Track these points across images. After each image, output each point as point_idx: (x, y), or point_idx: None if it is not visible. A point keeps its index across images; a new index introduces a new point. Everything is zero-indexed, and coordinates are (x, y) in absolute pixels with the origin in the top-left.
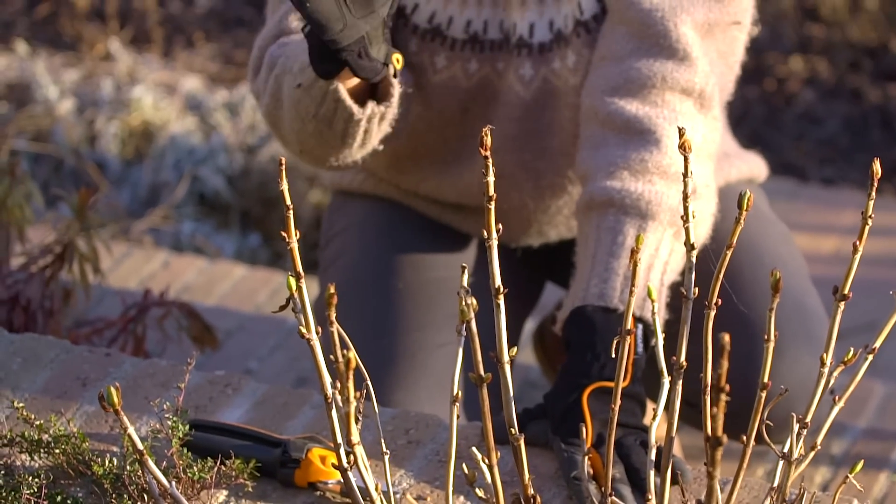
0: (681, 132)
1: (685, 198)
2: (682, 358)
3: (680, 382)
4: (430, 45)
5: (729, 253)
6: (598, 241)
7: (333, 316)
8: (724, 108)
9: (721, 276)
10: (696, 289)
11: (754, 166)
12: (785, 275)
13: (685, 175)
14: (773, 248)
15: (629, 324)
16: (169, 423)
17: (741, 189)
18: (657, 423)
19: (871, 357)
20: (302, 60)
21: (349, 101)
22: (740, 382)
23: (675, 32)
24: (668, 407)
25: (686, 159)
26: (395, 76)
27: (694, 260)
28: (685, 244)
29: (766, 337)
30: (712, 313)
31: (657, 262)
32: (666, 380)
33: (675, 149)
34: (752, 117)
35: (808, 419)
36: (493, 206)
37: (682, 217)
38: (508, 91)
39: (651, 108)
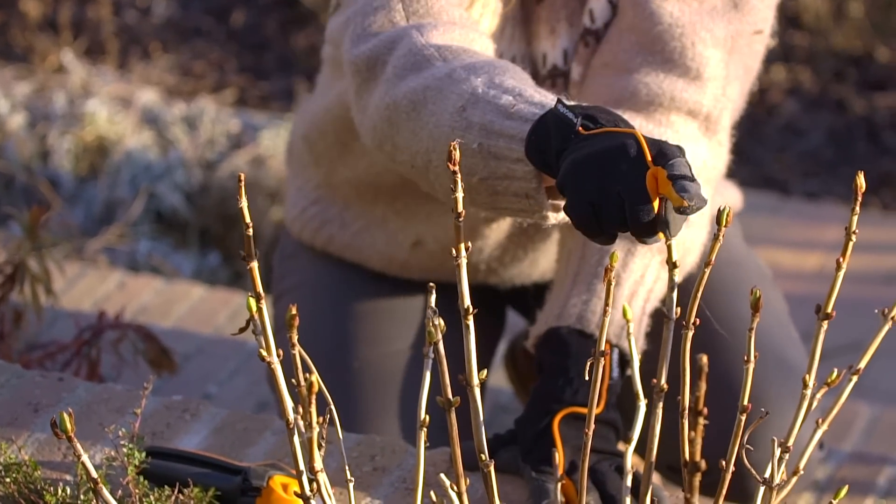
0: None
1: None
2: (663, 381)
3: (660, 406)
4: None
5: (707, 271)
6: (582, 258)
7: (295, 338)
8: (734, 127)
9: (700, 293)
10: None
11: (730, 198)
12: (764, 324)
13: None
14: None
15: (603, 345)
16: (124, 450)
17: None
18: (632, 448)
19: (855, 378)
20: (501, 123)
21: (548, 207)
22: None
23: (692, 51)
24: (647, 432)
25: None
26: None
27: (677, 279)
28: (667, 262)
29: (745, 358)
30: (690, 333)
31: (641, 289)
32: (642, 402)
33: None
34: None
35: (790, 443)
36: (461, 222)
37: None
38: None
39: (654, 128)
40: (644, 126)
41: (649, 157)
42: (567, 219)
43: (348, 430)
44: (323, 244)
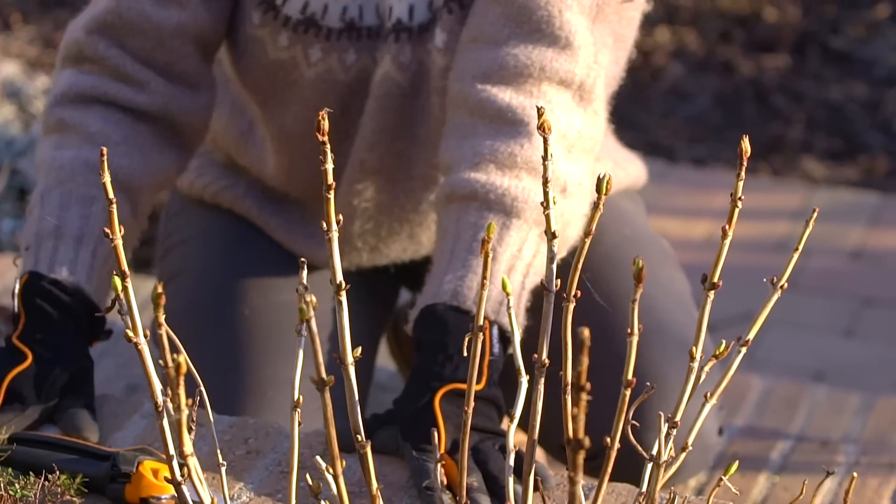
0: (540, 112)
1: (545, 182)
2: (544, 356)
3: (542, 381)
4: (303, 37)
5: (588, 241)
6: (457, 236)
7: (162, 318)
8: (612, 97)
9: (580, 266)
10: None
11: (632, 172)
12: (665, 305)
13: (545, 158)
14: (651, 273)
15: (481, 320)
16: None
17: (615, 201)
18: (514, 426)
19: (744, 349)
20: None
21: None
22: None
23: (559, 19)
24: (530, 409)
25: (545, 140)
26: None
27: (561, 254)
28: (546, 233)
29: (629, 331)
30: (571, 306)
31: (519, 263)
32: (524, 378)
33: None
34: (615, 93)
35: (678, 418)
36: (332, 195)
37: (542, 203)
38: (385, 80)
39: (525, 98)
40: (515, 98)
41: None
42: (441, 197)
43: (238, 381)
44: (211, 196)
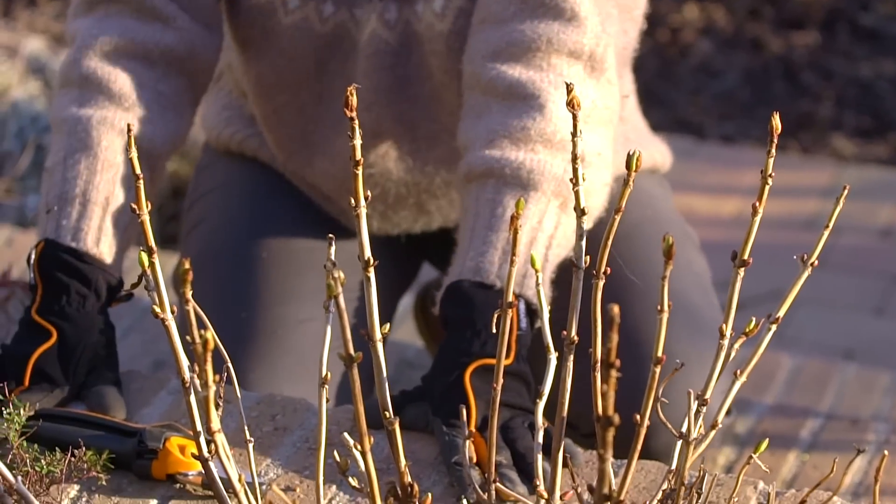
0: (569, 88)
1: (574, 159)
2: (573, 332)
3: (571, 358)
4: None
5: (618, 217)
6: (476, 214)
7: (189, 294)
8: (629, 66)
9: (609, 242)
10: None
11: (656, 154)
12: (681, 285)
13: (574, 135)
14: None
15: (510, 296)
16: (5, 413)
17: (639, 182)
18: (543, 403)
19: (774, 327)
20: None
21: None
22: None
23: None
24: (559, 386)
25: (574, 117)
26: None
27: (585, 226)
28: (575, 209)
29: (658, 308)
30: (601, 283)
31: (540, 235)
32: (553, 356)
33: (561, 115)
34: (644, 70)
35: (708, 395)
36: (360, 171)
37: (571, 180)
38: (373, 38)
39: (535, 73)
40: (524, 73)
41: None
42: (460, 177)
43: (250, 319)
44: (237, 145)
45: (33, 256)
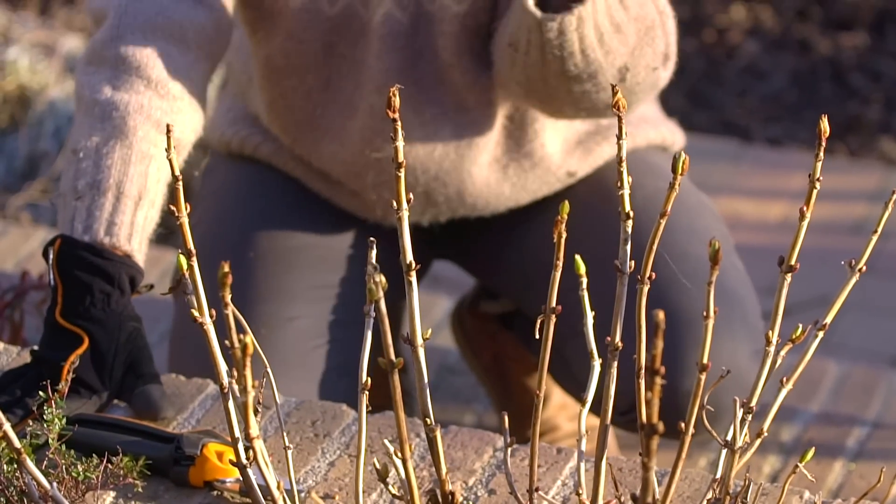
0: (614, 90)
1: (619, 162)
2: (618, 339)
3: (615, 365)
4: None
5: (663, 222)
6: None
7: (228, 297)
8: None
9: (654, 247)
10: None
11: (667, 133)
12: (698, 252)
13: (619, 137)
14: (688, 223)
15: None
16: (45, 417)
17: (650, 156)
18: (586, 411)
19: (821, 334)
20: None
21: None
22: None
23: None
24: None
25: (620, 119)
26: None
27: (629, 230)
28: (621, 215)
29: (704, 314)
30: (646, 288)
31: None
32: (597, 362)
33: None
34: (690, 72)
35: (753, 403)
36: (402, 173)
37: (616, 184)
38: (388, 19)
39: None
40: None
41: None
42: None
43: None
44: (238, 145)
45: (51, 255)
